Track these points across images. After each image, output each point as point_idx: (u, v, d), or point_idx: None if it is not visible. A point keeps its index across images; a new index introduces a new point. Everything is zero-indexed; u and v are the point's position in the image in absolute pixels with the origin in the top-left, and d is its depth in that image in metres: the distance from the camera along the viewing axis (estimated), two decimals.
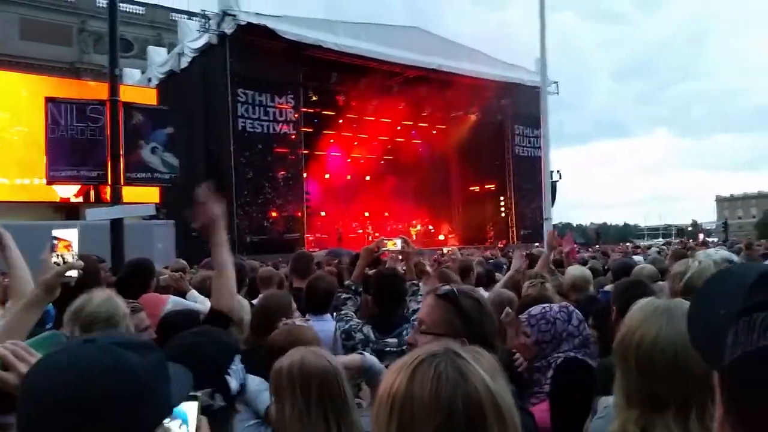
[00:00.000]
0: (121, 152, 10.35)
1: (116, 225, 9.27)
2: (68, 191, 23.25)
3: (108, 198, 9.73)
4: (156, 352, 1.07)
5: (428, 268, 5.39)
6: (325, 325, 3.88)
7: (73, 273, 2.29)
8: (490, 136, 31.19)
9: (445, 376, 1.04)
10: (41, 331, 2.65)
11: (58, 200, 23.72)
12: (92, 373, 0.95)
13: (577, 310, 2.87)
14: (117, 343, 1.01)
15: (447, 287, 2.03)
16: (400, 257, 4.73)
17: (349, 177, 32.09)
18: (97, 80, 27.06)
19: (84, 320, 2.41)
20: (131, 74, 30.52)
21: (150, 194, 20.14)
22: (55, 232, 2.37)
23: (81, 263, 2.39)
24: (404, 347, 3.54)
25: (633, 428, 1.46)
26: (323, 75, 25.74)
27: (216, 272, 2.80)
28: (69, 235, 2.41)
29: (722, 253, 2.95)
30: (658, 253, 9.53)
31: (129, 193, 12.86)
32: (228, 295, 2.76)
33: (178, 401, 1.10)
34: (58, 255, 2.33)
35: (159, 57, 29.95)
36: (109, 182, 10.24)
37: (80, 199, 21.81)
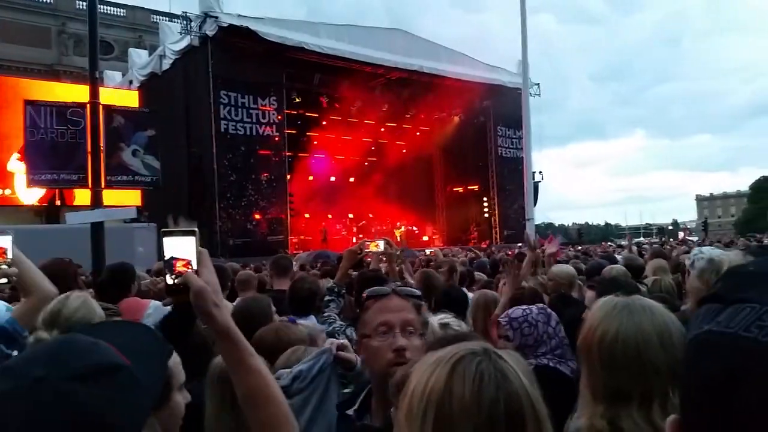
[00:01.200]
0: (101, 155, 10.26)
1: (97, 228, 9.19)
2: (32, 197, 22.94)
3: (73, 202, 9.66)
4: (116, 374, 0.96)
5: (406, 275, 5.41)
6: None
7: (3, 280, 2.24)
8: (472, 137, 31.39)
9: (488, 375, 0.99)
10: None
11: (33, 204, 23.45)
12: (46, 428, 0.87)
13: (553, 312, 2.86)
14: (72, 377, 0.90)
15: (400, 286, 2.00)
16: (383, 259, 4.75)
17: (333, 178, 32.04)
18: (77, 82, 26.77)
19: (62, 325, 2.38)
20: (112, 76, 30.25)
21: (131, 197, 19.99)
22: None
23: (15, 270, 2.34)
24: None
25: (600, 422, 1.49)
26: (306, 76, 25.70)
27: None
28: (2, 242, 2.34)
29: (714, 251, 2.94)
30: (639, 253, 9.64)
31: (110, 196, 12.75)
32: None
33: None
34: None
35: (140, 59, 29.71)
36: (90, 185, 10.15)
37: (43, 205, 21.54)
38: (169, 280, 1.43)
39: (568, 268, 5.37)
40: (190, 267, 1.43)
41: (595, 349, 1.57)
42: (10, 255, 2.33)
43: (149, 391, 1.03)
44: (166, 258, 1.44)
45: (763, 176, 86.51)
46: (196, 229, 1.46)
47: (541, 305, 2.99)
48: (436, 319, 2.52)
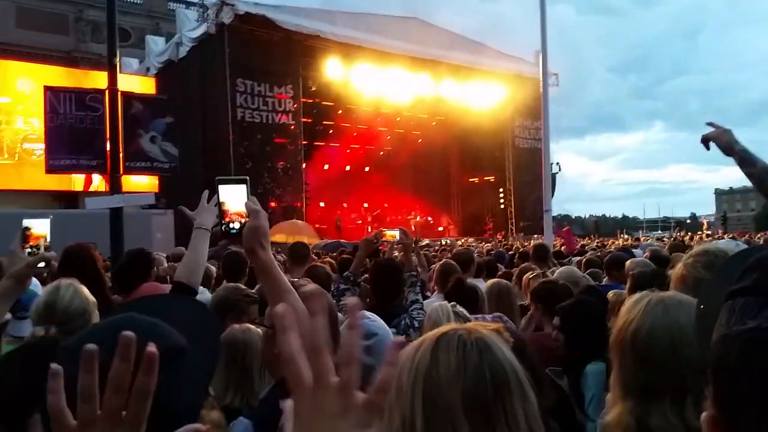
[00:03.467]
0: (120, 141, 10.30)
1: (116, 214, 9.24)
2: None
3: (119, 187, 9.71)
4: (175, 357, 0.91)
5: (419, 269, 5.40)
6: None
7: (42, 264, 2.23)
8: (489, 127, 31.10)
9: (470, 344, 1.07)
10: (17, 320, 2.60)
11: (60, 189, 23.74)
12: None
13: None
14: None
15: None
16: (399, 247, 4.74)
17: (348, 168, 32.05)
18: (95, 69, 26.98)
19: (60, 318, 2.33)
20: (129, 63, 30.39)
21: (149, 184, 20.15)
22: (26, 222, 2.29)
23: (53, 254, 2.33)
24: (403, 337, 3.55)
25: (629, 418, 1.46)
26: (322, 65, 25.65)
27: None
28: (40, 225, 2.33)
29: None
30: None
31: (127, 182, 12.83)
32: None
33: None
34: (31, 246, 2.26)
35: (157, 46, 29.82)
36: (108, 171, 10.20)
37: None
38: (227, 226, 1.72)
39: (573, 270, 5.40)
40: (243, 216, 1.69)
41: (628, 344, 1.55)
42: (48, 239, 2.33)
43: (206, 371, 1.02)
44: (221, 202, 1.74)
45: None
46: (247, 177, 1.72)
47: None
48: (446, 307, 2.51)
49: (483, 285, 5.06)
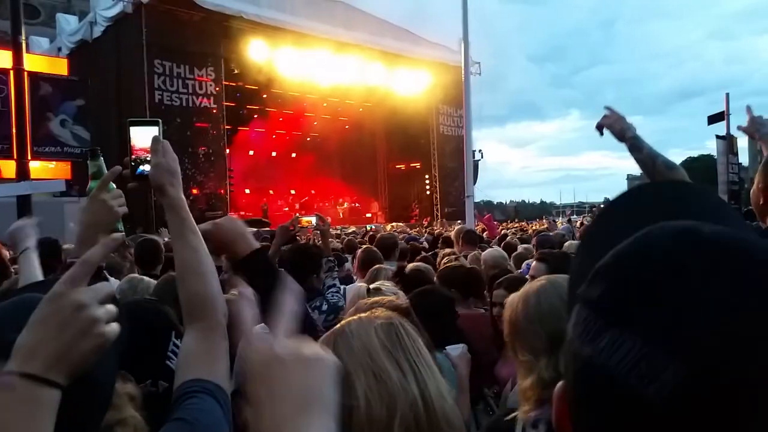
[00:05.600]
0: (27, 125, 9.79)
1: (23, 203, 8.79)
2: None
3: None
4: None
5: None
6: None
7: None
8: (415, 114, 31.39)
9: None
10: None
11: None
12: None
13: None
14: None
15: None
16: (317, 233, 4.77)
17: (274, 153, 31.58)
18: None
19: None
20: (38, 43, 28.62)
21: (60, 170, 19.18)
22: None
23: None
24: None
25: (549, 374, 1.51)
26: (245, 48, 25.04)
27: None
28: None
29: None
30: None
31: (38, 169, 12.20)
32: None
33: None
34: None
35: (69, 25, 28.23)
36: (15, 157, 9.68)
37: None
38: (135, 164, 1.68)
39: (498, 252, 5.64)
40: (148, 152, 1.63)
41: (520, 311, 1.69)
42: None
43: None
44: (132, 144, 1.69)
45: (690, 156, 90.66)
46: (160, 120, 1.69)
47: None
48: (362, 288, 2.57)
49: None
